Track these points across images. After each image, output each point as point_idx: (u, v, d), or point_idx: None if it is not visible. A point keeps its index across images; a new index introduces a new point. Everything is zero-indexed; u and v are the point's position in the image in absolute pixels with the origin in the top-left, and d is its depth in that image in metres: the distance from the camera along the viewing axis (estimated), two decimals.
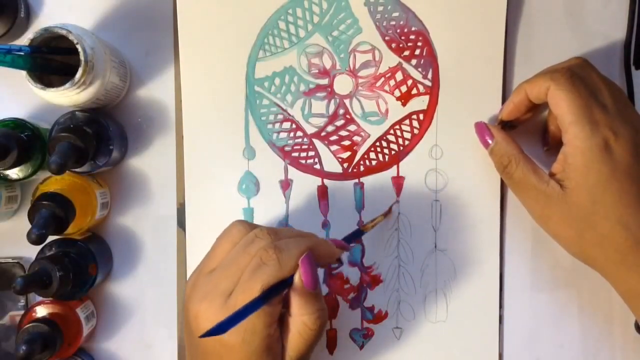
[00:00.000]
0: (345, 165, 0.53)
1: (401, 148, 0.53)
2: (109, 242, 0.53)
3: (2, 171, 0.48)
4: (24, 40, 0.45)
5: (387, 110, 0.53)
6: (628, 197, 0.44)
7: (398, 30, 0.52)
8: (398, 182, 0.53)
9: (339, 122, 0.53)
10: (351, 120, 0.53)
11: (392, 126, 0.53)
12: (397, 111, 0.53)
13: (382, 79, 0.53)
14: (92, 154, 0.47)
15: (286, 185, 0.53)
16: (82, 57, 0.44)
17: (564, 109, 0.45)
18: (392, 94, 0.53)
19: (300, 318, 0.41)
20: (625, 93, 0.51)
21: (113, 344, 0.53)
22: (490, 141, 0.49)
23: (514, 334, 0.53)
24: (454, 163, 0.53)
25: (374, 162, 0.53)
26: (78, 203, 0.47)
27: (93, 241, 0.51)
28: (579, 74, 0.46)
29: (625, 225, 0.44)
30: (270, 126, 0.53)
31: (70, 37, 0.44)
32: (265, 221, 0.52)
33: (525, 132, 0.52)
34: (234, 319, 0.37)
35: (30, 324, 0.46)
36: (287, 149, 0.53)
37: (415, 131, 0.53)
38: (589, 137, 0.44)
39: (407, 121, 0.53)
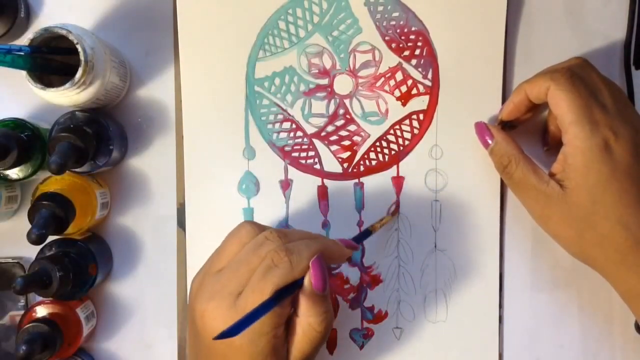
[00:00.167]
0: (345, 165, 0.53)
1: (401, 148, 0.53)
2: (109, 242, 0.53)
3: (2, 171, 0.48)
4: (24, 40, 0.45)
5: (387, 110, 0.53)
6: (628, 197, 0.44)
7: (398, 30, 0.52)
8: (398, 182, 0.53)
9: (339, 122, 0.53)
10: (351, 120, 0.53)
11: (392, 126, 0.53)
12: (397, 111, 0.53)
13: (382, 79, 0.53)
14: (92, 154, 0.47)
15: (286, 185, 0.53)
16: (82, 57, 0.44)
17: (564, 109, 0.45)
18: (392, 94, 0.53)
19: (307, 319, 0.41)
20: (625, 93, 0.51)
21: (113, 344, 0.53)
22: (490, 141, 0.49)
23: (514, 334, 0.53)
24: (454, 163, 0.53)
25: (374, 162, 0.53)
26: (78, 203, 0.47)
27: (93, 241, 0.51)
28: (579, 74, 0.46)
29: (625, 225, 0.44)
30: (270, 126, 0.53)
31: (70, 37, 0.44)
32: (266, 221, 0.52)
33: (525, 132, 0.52)
34: (246, 321, 0.37)
35: (30, 324, 0.46)
36: (287, 149, 0.53)
37: (415, 131, 0.53)
38: (589, 137, 0.44)
39: (407, 121, 0.53)
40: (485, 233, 0.53)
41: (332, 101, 0.53)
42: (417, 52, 0.52)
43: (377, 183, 0.53)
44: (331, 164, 0.53)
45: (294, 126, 0.53)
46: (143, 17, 0.53)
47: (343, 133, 0.53)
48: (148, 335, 0.53)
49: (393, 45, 0.52)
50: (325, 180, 0.53)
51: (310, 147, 0.53)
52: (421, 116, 0.53)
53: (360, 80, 0.53)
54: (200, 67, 0.52)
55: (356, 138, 0.53)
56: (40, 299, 0.49)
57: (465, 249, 0.53)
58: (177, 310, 0.53)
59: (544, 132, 0.53)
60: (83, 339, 0.49)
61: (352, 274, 0.53)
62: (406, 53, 0.52)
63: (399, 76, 0.53)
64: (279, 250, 0.41)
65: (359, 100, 0.53)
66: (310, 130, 0.53)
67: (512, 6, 0.52)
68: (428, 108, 0.53)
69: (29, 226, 0.43)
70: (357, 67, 0.53)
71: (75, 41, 0.44)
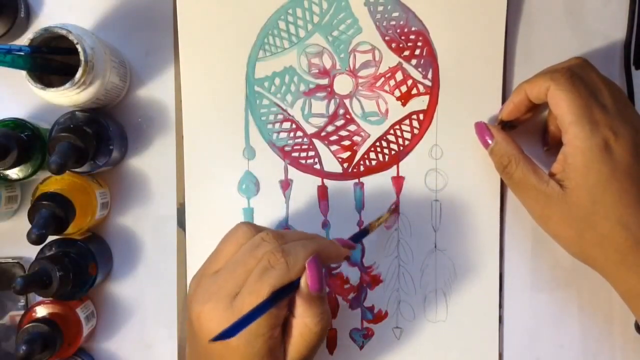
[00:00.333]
0: (345, 165, 0.53)
1: (401, 148, 0.53)
2: (109, 242, 0.53)
3: (2, 171, 0.48)
4: (24, 40, 0.45)
5: (387, 110, 0.53)
6: (628, 197, 0.44)
7: (398, 30, 0.52)
8: (398, 182, 0.53)
9: (339, 122, 0.53)
10: (351, 120, 0.53)
11: (392, 126, 0.53)
12: (397, 111, 0.53)
13: (382, 79, 0.53)
14: (92, 154, 0.47)
15: (286, 185, 0.53)
16: (82, 57, 0.44)
17: (564, 109, 0.45)
18: (392, 94, 0.53)
19: (303, 320, 0.41)
20: (625, 93, 0.51)
21: (113, 344, 0.53)
22: (490, 141, 0.49)
23: (514, 334, 0.53)
24: (454, 163, 0.53)
25: (374, 162, 0.53)
26: (78, 203, 0.47)
27: (93, 241, 0.51)
28: (579, 74, 0.46)
29: (625, 225, 0.44)
30: (270, 126, 0.53)
31: (70, 37, 0.44)
32: (265, 221, 0.52)
33: (525, 132, 0.52)
34: (242, 322, 0.37)
35: (30, 324, 0.46)
36: (287, 149, 0.53)
37: (415, 131, 0.53)
38: (589, 137, 0.44)
39: (407, 121, 0.53)
40: (485, 233, 0.53)
41: (332, 101, 0.53)
42: (417, 52, 0.52)
43: (377, 183, 0.53)
44: (331, 164, 0.53)
45: (294, 126, 0.53)
46: (143, 17, 0.53)
47: (343, 133, 0.53)
48: (148, 335, 0.53)
49: (393, 45, 0.52)
50: (325, 180, 0.53)
51: (310, 147, 0.53)
52: (421, 116, 0.53)
53: (360, 80, 0.53)
54: (200, 67, 0.52)
55: (356, 138, 0.53)
56: (40, 299, 0.49)
57: (465, 249, 0.53)
58: (177, 310, 0.53)
59: (543, 132, 0.53)
60: (83, 339, 0.49)
61: (352, 274, 0.53)
62: (406, 53, 0.52)
63: (399, 76, 0.53)
64: (275, 252, 0.41)
65: (359, 100, 0.53)
66: (310, 130, 0.53)
67: (512, 6, 0.52)
68: (428, 108, 0.53)
69: (29, 226, 0.43)
70: (357, 67, 0.53)
71: (75, 41, 0.44)
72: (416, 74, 0.52)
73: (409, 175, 0.53)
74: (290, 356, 0.42)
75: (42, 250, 0.49)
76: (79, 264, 0.48)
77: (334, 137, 0.53)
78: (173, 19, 0.52)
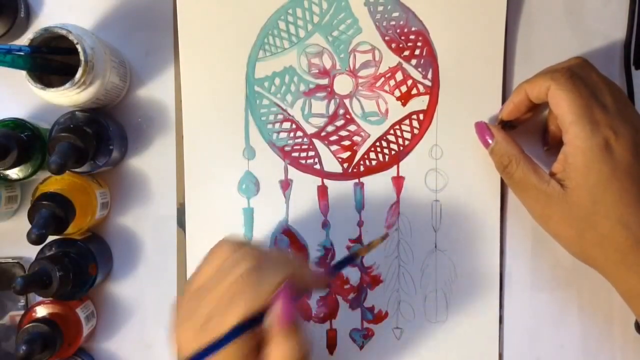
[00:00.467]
0: (345, 165, 0.53)
1: (401, 148, 0.53)
2: (109, 242, 0.53)
3: (2, 171, 0.48)
4: (24, 40, 0.45)
5: (387, 110, 0.53)
6: (629, 197, 0.44)
7: (398, 30, 0.52)
8: (398, 182, 0.53)
9: (339, 122, 0.53)
10: (351, 120, 0.53)
11: (392, 126, 0.53)
12: (397, 111, 0.53)
13: (382, 79, 0.53)
14: (92, 154, 0.47)
15: (286, 185, 0.53)
16: (82, 57, 0.44)
17: (564, 109, 0.45)
18: (392, 94, 0.53)
19: (280, 352, 0.39)
20: (625, 93, 0.51)
21: (113, 344, 0.53)
22: (490, 141, 0.49)
23: (514, 334, 0.53)
24: (454, 163, 0.53)
25: (374, 162, 0.53)
26: (78, 203, 0.47)
27: (93, 241, 0.51)
28: (579, 73, 0.46)
29: (626, 225, 0.44)
30: (270, 126, 0.53)
31: (70, 37, 0.44)
32: (265, 221, 0.52)
33: (525, 132, 0.52)
34: (210, 349, 0.36)
35: (30, 324, 0.46)
36: (287, 149, 0.53)
37: (415, 131, 0.53)
38: (590, 137, 0.44)
39: (407, 121, 0.53)
40: (486, 233, 0.53)
41: (332, 101, 0.53)
42: (417, 52, 0.52)
43: (377, 183, 0.53)
44: (331, 164, 0.53)
45: (294, 126, 0.53)
46: (143, 17, 0.53)
47: (343, 133, 0.53)
48: (148, 335, 0.53)
49: (393, 45, 0.52)
50: (325, 180, 0.53)
51: (310, 147, 0.53)
52: (421, 116, 0.53)
53: (360, 80, 0.53)
54: (200, 67, 0.52)
55: (356, 138, 0.53)
56: (40, 299, 0.49)
57: (465, 249, 0.53)
58: None
59: (543, 132, 0.53)
60: (83, 339, 0.49)
61: (352, 274, 0.53)
62: (406, 53, 0.52)
63: (399, 76, 0.53)
64: (247, 275, 0.39)
65: (359, 100, 0.53)
66: (310, 130, 0.53)
67: (512, 6, 0.52)
68: (428, 108, 0.53)
69: (29, 226, 0.43)
70: (357, 67, 0.53)
71: (75, 41, 0.44)
72: (416, 74, 0.52)
73: (409, 175, 0.53)
74: None
75: (42, 250, 0.49)
76: (79, 264, 0.48)
77: (334, 137, 0.53)
78: (173, 19, 0.52)
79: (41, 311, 0.49)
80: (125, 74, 0.51)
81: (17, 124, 0.48)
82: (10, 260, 0.52)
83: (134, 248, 0.53)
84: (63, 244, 0.49)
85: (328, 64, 0.53)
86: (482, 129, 0.49)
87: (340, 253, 0.53)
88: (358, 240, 0.53)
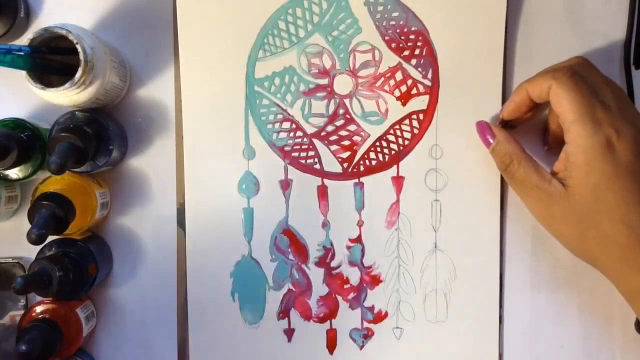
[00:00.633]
0: (345, 165, 0.53)
1: (401, 148, 0.53)
2: (109, 242, 0.53)
3: (2, 171, 0.48)
4: (24, 40, 0.45)
5: (387, 110, 0.53)
6: (630, 196, 0.44)
7: (398, 30, 0.52)
8: (398, 182, 0.53)
9: (339, 122, 0.53)
10: (351, 120, 0.53)
11: (392, 126, 0.53)
12: (397, 111, 0.53)
13: (382, 78, 0.53)
14: (92, 154, 0.47)
15: (286, 185, 0.53)
16: (82, 57, 0.44)
17: (566, 108, 0.45)
18: (392, 93, 0.53)
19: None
20: (626, 93, 0.51)
21: (113, 344, 0.53)
22: (491, 140, 0.49)
23: (514, 334, 0.53)
24: (454, 163, 0.53)
25: (374, 162, 0.53)
26: (78, 203, 0.47)
27: (93, 241, 0.51)
28: (580, 72, 0.46)
29: (628, 224, 0.44)
30: (270, 126, 0.53)
31: (70, 37, 0.44)
32: (265, 221, 0.52)
33: (526, 131, 0.52)
34: None
35: (30, 324, 0.46)
36: (287, 149, 0.53)
37: (415, 131, 0.53)
38: (592, 136, 0.44)
39: (407, 121, 0.53)
40: (485, 233, 0.53)
41: (332, 101, 0.53)
42: (417, 52, 0.52)
43: (377, 183, 0.53)
44: (331, 164, 0.53)
45: (293, 126, 0.53)
46: (143, 17, 0.53)
47: (343, 133, 0.53)
48: (148, 335, 0.53)
49: (393, 45, 0.52)
50: (325, 180, 0.53)
51: (310, 147, 0.53)
52: (421, 116, 0.53)
53: (360, 80, 0.53)
54: (200, 67, 0.52)
55: (356, 138, 0.53)
56: (40, 299, 0.49)
57: (465, 249, 0.53)
58: (177, 310, 0.53)
59: (544, 131, 0.53)
60: (83, 339, 0.49)
61: (352, 274, 0.53)
62: (406, 53, 0.52)
63: (398, 76, 0.53)
64: None
65: (359, 100, 0.53)
66: (310, 130, 0.53)
67: (512, 6, 0.52)
68: (428, 108, 0.53)
69: (29, 226, 0.43)
70: (357, 67, 0.53)
71: (75, 41, 0.44)
72: (416, 74, 0.52)
73: (409, 175, 0.53)
74: None
75: (42, 250, 0.49)
76: (79, 264, 0.48)
77: (333, 137, 0.53)
78: (173, 19, 0.52)
79: (41, 311, 0.48)
80: (125, 74, 0.51)
81: (17, 124, 0.48)
82: (10, 260, 0.52)
83: (134, 248, 0.53)
84: (63, 244, 0.49)
85: (328, 64, 0.53)
86: (483, 128, 0.49)
87: (340, 253, 0.53)
88: (358, 240, 0.53)
